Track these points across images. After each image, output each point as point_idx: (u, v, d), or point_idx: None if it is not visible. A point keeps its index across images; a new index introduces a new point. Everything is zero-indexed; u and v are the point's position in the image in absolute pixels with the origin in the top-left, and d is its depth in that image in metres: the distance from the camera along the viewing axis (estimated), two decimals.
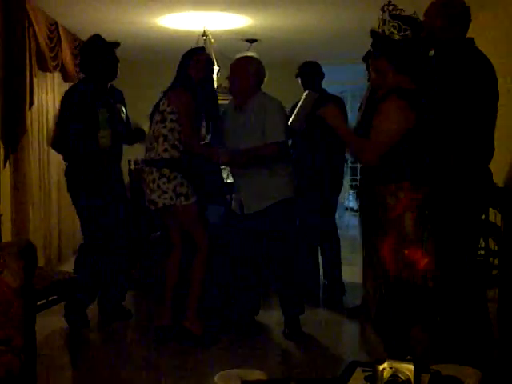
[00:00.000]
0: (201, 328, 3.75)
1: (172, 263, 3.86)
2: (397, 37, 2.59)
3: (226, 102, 4.19)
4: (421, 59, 2.70)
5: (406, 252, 2.68)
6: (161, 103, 3.71)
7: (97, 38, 4.11)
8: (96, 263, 4.06)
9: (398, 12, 2.61)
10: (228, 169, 4.22)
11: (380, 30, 2.63)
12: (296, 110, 3.87)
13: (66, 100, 4.10)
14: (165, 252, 4.08)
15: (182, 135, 3.65)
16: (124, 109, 4.29)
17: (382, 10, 2.62)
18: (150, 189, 3.68)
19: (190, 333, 3.71)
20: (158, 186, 3.64)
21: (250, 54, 3.99)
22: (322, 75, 4.89)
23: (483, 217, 4.84)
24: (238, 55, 3.96)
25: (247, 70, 3.81)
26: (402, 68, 2.66)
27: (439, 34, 3.11)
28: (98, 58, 4.03)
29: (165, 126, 3.65)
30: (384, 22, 2.61)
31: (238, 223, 3.94)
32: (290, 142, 4.12)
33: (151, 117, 3.80)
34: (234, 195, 4.00)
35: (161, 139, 3.65)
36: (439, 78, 2.99)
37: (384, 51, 2.67)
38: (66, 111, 4.02)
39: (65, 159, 4.20)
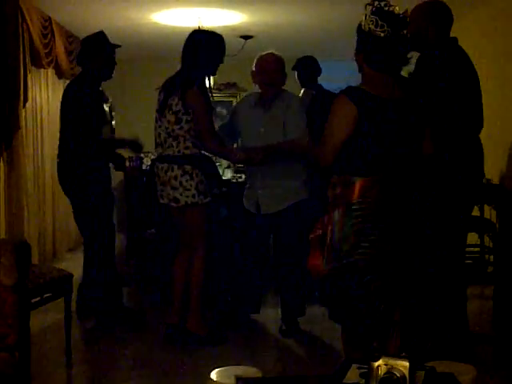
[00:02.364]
0: (205, 328, 3.72)
1: (180, 262, 3.78)
2: (377, 33, 2.58)
3: (222, 99, 4.18)
4: (399, 57, 2.67)
5: (309, 259, 2.70)
6: (173, 102, 3.57)
7: (102, 35, 4.10)
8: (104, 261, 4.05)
9: (390, 8, 2.60)
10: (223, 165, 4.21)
11: (362, 25, 2.63)
12: None
13: (68, 95, 4.05)
14: (168, 252, 4.02)
15: (199, 134, 3.58)
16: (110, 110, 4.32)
17: (368, 4, 2.62)
18: (171, 186, 3.59)
19: (195, 335, 3.68)
20: (181, 183, 3.57)
21: (271, 51, 3.92)
22: (319, 71, 4.89)
23: (478, 213, 4.87)
24: (267, 52, 3.90)
25: (280, 66, 3.82)
26: (374, 64, 2.65)
27: (423, 36, 3.17)
28: (102, 53, 4.01)
29: (181, 128, 3.56)
30: (365, 16, 2.61)
31: (252, 222, 3.92)
32: None
33: (161, 110, 3.66)
34: (246, 193, 3.98)
35: (181, 139, 3.57)
36: (424, 77, 3.03)
37: (361, 46, 2.67)
38: (71, 107, 3.98)
39: (59, 155, 4.16)
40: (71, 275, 3.56)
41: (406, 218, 2.73)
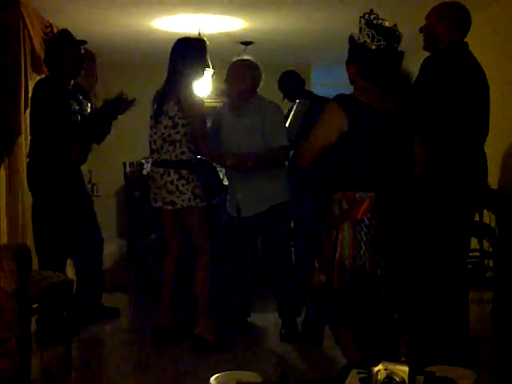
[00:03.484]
0: (213, 333, 3.73)
1: (168, 266, 3.85)
2: (372, 46, 2.61)
3: (220, 104, 4.20)
4: (392, 70, 2.71)
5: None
6: (169, 108, 3.61)
7: (64, 33, 4.09)
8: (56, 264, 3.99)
9: (378, 22, 2.63)
10: (223, 171, 4.23)
11: (356, 38, 2.65)
12: (289, 120, 3.93)
13: (41, 93, 4.03)
14: (161, 255, 4.06)
15: (193, 138, 3.62)
16: (90, 106, 4.25)
17: (361, 17, 2.64)
18: (167, 190, 3.63)
19: (204, 340, 3.68)
20: (177, 187, 3.61)
21: (246, 57, 3.99)
22: (301, 83, 4.90)
23: (477, 218, 4.88)
24: (235, 58, 3.96)
25: (245, 73, 3.82)
26: (368, 77, 2.68)
27: (438, 38, 3.14)
28: (66, 52, 3.98)
29: (177, 132, 3.61)
30: (360, 29, 2.64)
31: (233, 226, 3.94)
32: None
33: (156, 117, 3.70)
34: (228, 197, 4.01)
35: (177, 143, 3.61)
36: (433, 82, 3.02)
37: (354, 58, 2.69)
38: (39, 103, 3.98)
39: (29, 155, 4.14)
40: (72, 281, 3.57)
41: (413, 228, 2.77)
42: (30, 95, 5.07)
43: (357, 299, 2.66)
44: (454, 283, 3.10)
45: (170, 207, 3.67)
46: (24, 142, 5.06)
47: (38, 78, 5.58)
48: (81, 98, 4.19)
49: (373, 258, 2.63)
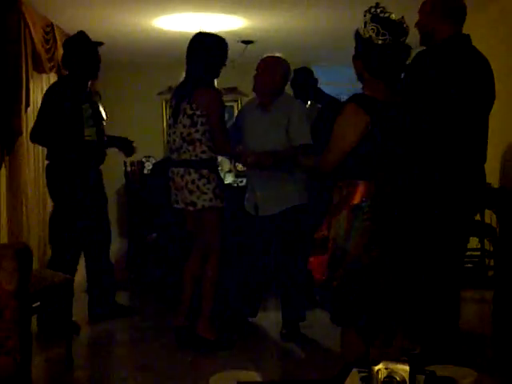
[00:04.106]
0: (215, 333, 3.72)
1: (192, 266, 3.79)
2: (378, 41, 2.59)
3: (228, 103, 4.17)
4: (399, 65, 2.69)
5: (311, 259, 2.70)
6: (187, 107, 3.57)
7: (82, 35, 4.11)
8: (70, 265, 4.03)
9: (385, 15, 2.61)
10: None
11: (362, 32, 2.63)
12: None
13: (50, 94, 4.09)
14: (184, 255, 4.01)
15: (212, 135, 3.59)
16: (102, 109, 4.29)
17: (367, 11, 2.62)
18: (188, 190, 3.60)
19: (204, 339, 3.67)
20: (198, 187, 3.58)
21: (278, 54, 3.93)
22: (314, 81, 4.88)
23: (478, 218, 4.87)
24: (266, 54, 3.92)
25: (276, 69, 3.80)
26: (375, 72, 2.67)
27: (433, 31, 3.09)
28: (82, 53, 4.03)
29: (197, 131, 3.57)
30: (365, 24, 2.62)
31: (250, 224, 3.93)
32: None
33: (174, 117, 3.66)
34: (247, 195, 3.99)
35: (197, 143, 3.58)
36: (433, 76, 2.97)
37: (360, 53, 2.68)
38: (50, 104, 4.02)
39: (47, 157, 4.19)
40: (72, 280, 3.57)
41: (413, 221, 2.73)
42: (30, 94, 5.09)
43: (352, 291, 2.64)
44: (447, 282, 3.08)
45: (191, 208, 3.63)
46: (25, 141, 5.06)
47: (39, 77, 5.61)
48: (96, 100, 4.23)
49: (366, 247, 2.59)
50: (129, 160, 6.31)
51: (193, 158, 3.59)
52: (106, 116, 4.32)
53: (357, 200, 2.60)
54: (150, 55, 7.67)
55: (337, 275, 2.64)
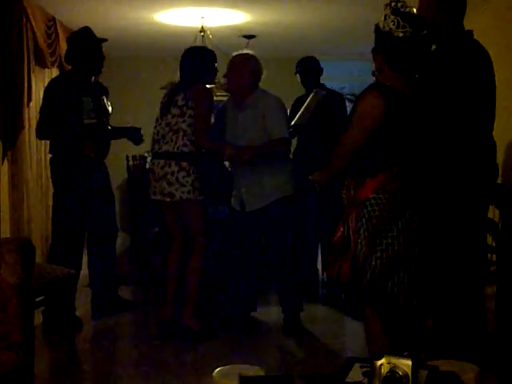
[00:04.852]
0: (198, 323, 3.78)
1: (173, 258, 3.88)
2: (398, 34, 2.57)
3: (224, 98, 4.19)
4: (420, 57, 2.67)
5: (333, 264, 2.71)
6: (179, 98, 3.69)
7: (86, 30, 4.11)
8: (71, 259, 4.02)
9: (406, 10, 2.59)
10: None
11: (381, 26, 2.62)
12: (303, 107, 4.03)
13: (50, 87, 4.09)
14: (165, 249, 4.08)
15: (194, 128, 3.66)
16: (109, 103, 4.28)
17: (387, 5, 2.60)
18: (167, 181, 3.66)
19: (189, 329, 3.73)
20: (177, 179, 3.64)
21: (246, 51, 3.98)
22: (320, 71, 4.89)
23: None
24: (235, 53, 3.95)
25: (244, 67, 3.81)
26: (395, 65, 2.65)
27: (437, 27, 3.07)
28: (86, 49, 4.03)
29: (184, 121, 3.66)
30: (385, 17, 2.60)
31: (238, 220, 3.95)
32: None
33: (163, 110, 3.77)
34: (233, 192, 4.01)
35: (181, 133, 3.66)
36: (438, 72, 2.96)
37: (380, 47, 2.67)
38: (50, 98, 4.01)
39: (50, 150, 4.19)
40: (75, 274, 3.57)
41: (425, 213, 2.72)
42: (33, 89, 5.09)
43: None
44: (466, 278, 3.07)
45: (168, 199, 3.68)
46: (27, 135, 5.06)
47: (41, 71, 5.61)
48: (100, 94, 4.20)
49: (373, 242, 2.59)
50: (131, 155, 6.31)
51: (174, 150, 3.66)
52: (111, 109, 4.30)
53: (369, 195, 2.60)
54: (151, 50, 7.66)
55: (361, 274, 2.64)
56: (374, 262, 2.60)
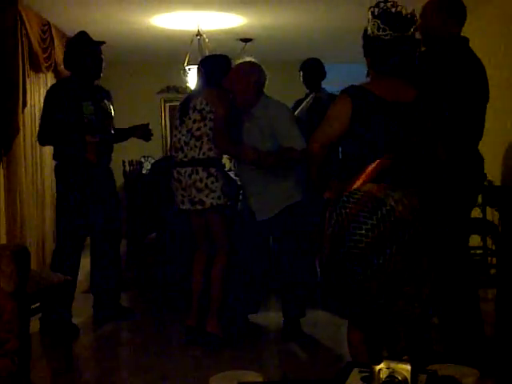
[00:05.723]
0: (222, 330, 3.74)
1: (197, 268, 3.83)
2: (379, 36, 2.54)
3: None
4: (404, 60, 2.64)
5: None
6: (197, 102, 3.65)
7: (83, 35, 4.10)
8: (72, 265, 4.01)
9: (398, 9, 2.55)
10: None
11: (367, 29, 2.60)
12: (302, 104, 4.31)
13: (50, 93, 4.09)
14: (189, 256, 4.01)
15: (213, 131, 3.61)
16: (112, 107, 4.26)
17: (370, 7, 2.57)
18: (196, 189, 3.61)
19: (214, 336, 3.69)
20: (206, 185, 3.59)
21: (248, 59, 3.88)
22: (323, 74, 4.89)
23: (480, 215, 4.85)
24: (237, 62, 3.87)
25: (248, 80, 3.72)
26: (376, 67, 2.63)
27: (435, 33, 3.09)
28: (84, 53, 4.01)
29: (205, 125, 3.62)
30: (368, 20, 2.58)
31: (246, 227, 3.92)
32: None
33: (182, 115, 3.72)
34: (240, 200, 3.98)
35: (205, 138, 3.62)
36: (431, 75, 2.97)
37: (364, 50, 2.65)
38: (50, 104, 4.01)
39: (54, 157, 4.18)
40: (71, 281, 3.55)
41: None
42: (27, 94, 5.08)
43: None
44: (459, 279, 3.06)
45: (199, 207, 3.62)
46: (22, 140, 5.05)
47: (36, 76, 5.60)
48: (101, 98, 4.19)
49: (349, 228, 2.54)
50: (127, 160, 6.30)
51: (200, 156, 3.61)
52: (113, 113, 4.28)
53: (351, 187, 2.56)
54: (148, 54, 7.65)
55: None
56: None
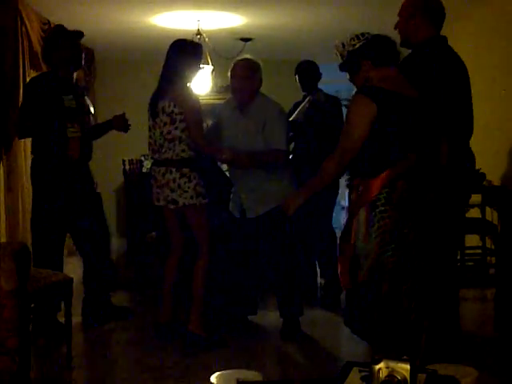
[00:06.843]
0: (204, 330, 3.73)
1: (171, 263, 3.88)
2: (360, 43, 2.74)
3: (221, 101, 4.19)
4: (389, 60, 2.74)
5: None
6: (166, 104, 3.64)
7: (59, 28, 4.09)
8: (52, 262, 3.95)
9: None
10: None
11: (348, 49, 2.78)
12: (300, 106, 4.26)
13: (30, 86, 4.04)
14: (164, 253, 4.06)
15: (189, 132, 3.64)
16: (90, 103, 4.24)
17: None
18: (169, 188, 3.65)
19: (197, 335, 3.69)
20: (179, 185, 3.63)
21: (249, 56, 3.94)
22: (318, 76, 4.89)
23: (479, 215, 4.86)
24: (241, 57, 3.94)
25: (255, 74, 3.82)
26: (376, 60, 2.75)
27: (414, 33, 3.12)
28: (64, 46, 3.98)
29: (176, 128, 3.63)
30: (343, 45, 2.79)
31: (237, 226, 3.93)
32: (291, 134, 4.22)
33: (153, 116, 3.73)
34: (231, 198, 3.99)
35: (176, 141, 3.64)
36: (414, 76, 2.99)
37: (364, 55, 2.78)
38: (30, 96, 3.96)
39: (32, 151, 4.11)
40: (71, 279, 3.55)
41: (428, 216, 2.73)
42: None
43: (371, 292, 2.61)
44: (446, 279, 3.07)
45: (172, 206, 3.68)
46: (22, 140, 5.05)
47: (36, 74, 5.59)
48: (82, 93, 4.18)
49: (383, 242, 2.57)
50: (127, 158, 6.30)
51: (174, 157, 3.65)
52: (93, 110, 4.26)
53: (373, 194, 2.59)
54: (147, 53, 7.64)
55: (358, 279, 2.62)
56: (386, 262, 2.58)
